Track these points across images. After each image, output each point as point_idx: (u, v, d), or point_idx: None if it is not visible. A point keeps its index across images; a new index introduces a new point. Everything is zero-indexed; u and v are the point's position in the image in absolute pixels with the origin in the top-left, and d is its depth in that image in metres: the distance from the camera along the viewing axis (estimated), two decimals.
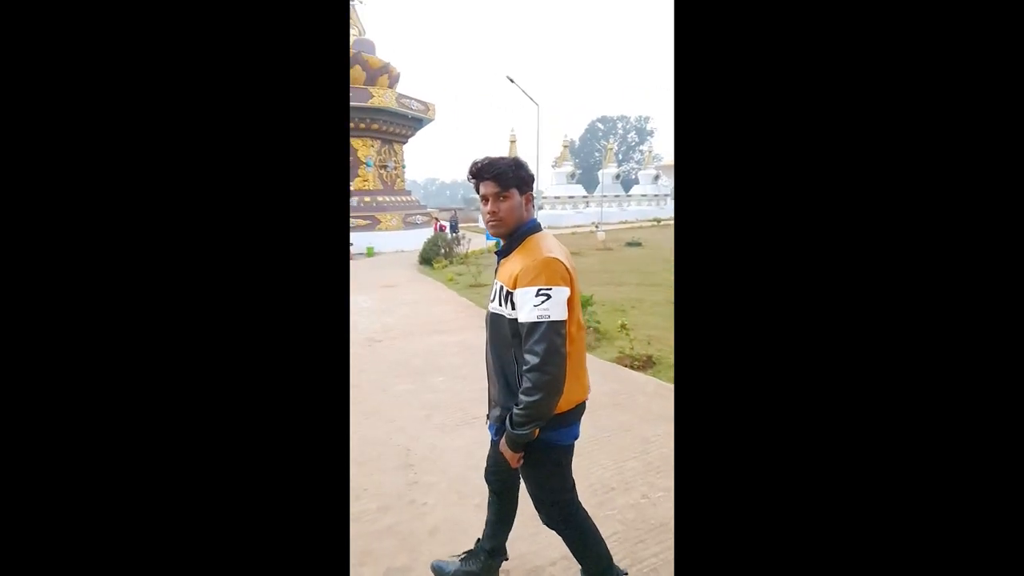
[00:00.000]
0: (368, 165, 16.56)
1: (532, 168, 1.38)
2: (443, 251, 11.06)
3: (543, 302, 1.20)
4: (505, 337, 1.30)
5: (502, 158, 1.32)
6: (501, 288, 1.30)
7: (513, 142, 29.29)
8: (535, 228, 1.35)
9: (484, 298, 6.59)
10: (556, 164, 31.31)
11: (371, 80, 16.28)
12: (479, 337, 3.92)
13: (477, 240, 14.40)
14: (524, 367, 1.22)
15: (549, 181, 31.66)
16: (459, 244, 11.70)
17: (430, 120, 18.82)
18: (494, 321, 1.33)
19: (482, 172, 1.30)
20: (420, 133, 19.52)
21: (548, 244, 1.31)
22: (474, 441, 2.70)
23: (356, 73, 15.84)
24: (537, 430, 1.25)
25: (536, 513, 1.45)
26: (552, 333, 1.20)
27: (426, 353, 4.37)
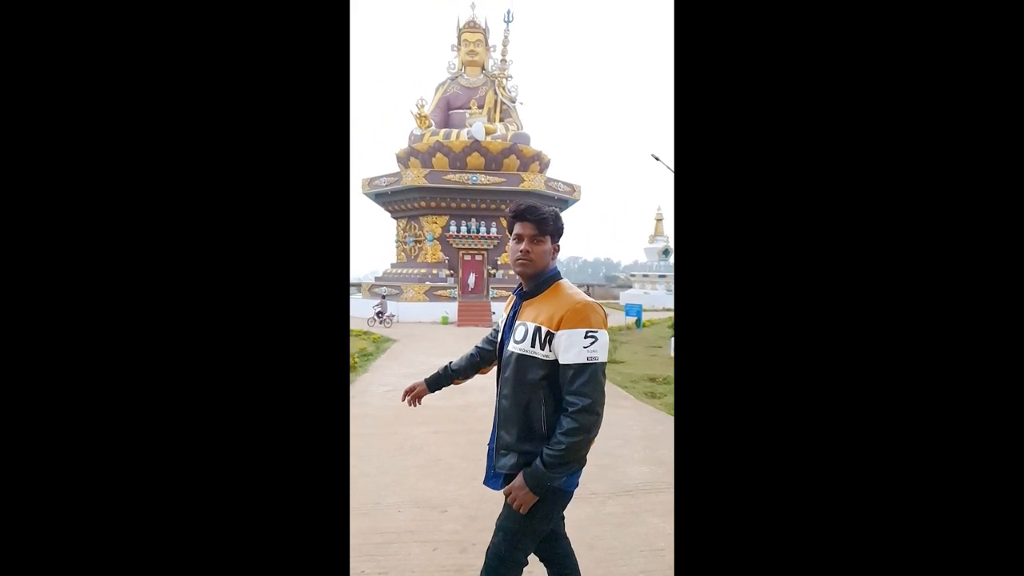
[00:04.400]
0: None
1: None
2: None
3: (592, 344, 1.23)
4: (534, 379, 1.29)
5: (544, 206, 1.40)
6: (538, 329, 1.28)
7: (659, 220, 28.98)
8: (559, 275, 1.42)
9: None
10: None
11: (524, 167, 17.92)
12: None
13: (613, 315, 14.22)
14: (571, 408, 1.23)
15: None
16: None
17: (575, 200, 19.76)
18: (521, 363, 1.31)
19: (525, 214, 1.37)
20: (566, 213, 20.57)
21: (578, 290, 1.37)
22: (585, 516, 2.56)
23: (511, 161, 17.62)
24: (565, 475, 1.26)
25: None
26: (600, 375, 1.24)
27: None
